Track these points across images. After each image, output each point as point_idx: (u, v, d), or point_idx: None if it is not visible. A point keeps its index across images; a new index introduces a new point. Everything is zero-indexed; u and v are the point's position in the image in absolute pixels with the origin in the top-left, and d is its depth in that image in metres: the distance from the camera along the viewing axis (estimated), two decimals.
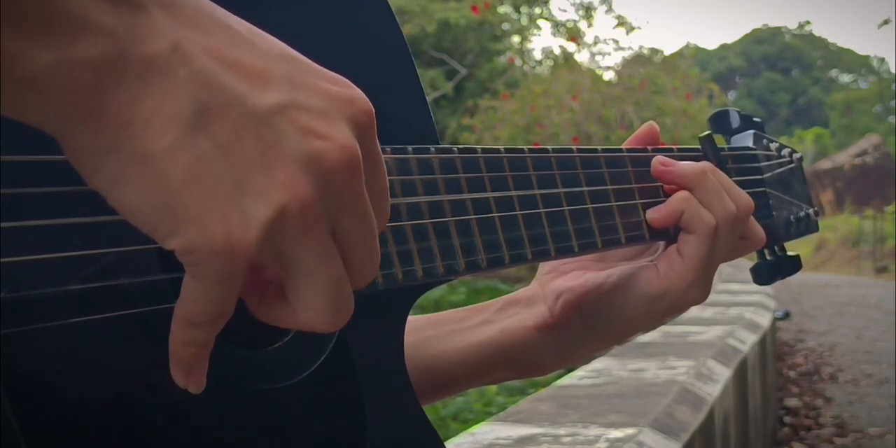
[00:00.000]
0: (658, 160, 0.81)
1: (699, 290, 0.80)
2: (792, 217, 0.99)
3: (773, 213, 0.95)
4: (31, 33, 0.38)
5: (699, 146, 0.90)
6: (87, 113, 0.39)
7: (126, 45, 0.39)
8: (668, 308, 0.80)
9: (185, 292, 0.42)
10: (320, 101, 0.44)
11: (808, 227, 1.01)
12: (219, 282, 0.41)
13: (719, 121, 1.00)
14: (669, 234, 0.81)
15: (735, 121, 1.00)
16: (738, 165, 0.93)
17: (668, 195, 0.81)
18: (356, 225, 0.46)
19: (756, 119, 1.01)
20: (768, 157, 0.98)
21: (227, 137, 0.41)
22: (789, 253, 0.98)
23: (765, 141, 1.00)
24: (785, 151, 1.01)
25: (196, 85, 0.41)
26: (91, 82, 0.39)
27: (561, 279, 0.84)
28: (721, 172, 0.83)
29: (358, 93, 0.47)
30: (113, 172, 0.40)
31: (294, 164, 0.42)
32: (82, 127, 0.39)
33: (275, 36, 0.60)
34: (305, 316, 0.45)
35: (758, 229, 0.85)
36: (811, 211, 1.01)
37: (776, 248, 0.96)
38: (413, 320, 0.65)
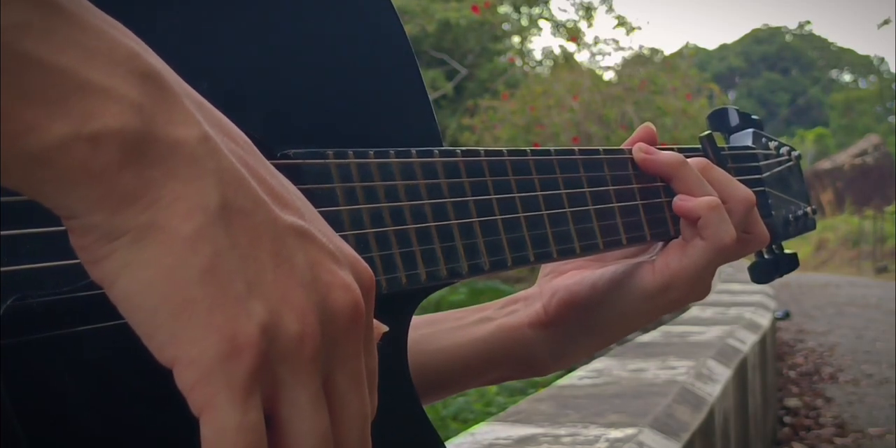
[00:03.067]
0: (640, 147, 0.81)
1: (700, 288, 0.81)
2: (791, 215, 0.99)
3: (773, 212, 0.96)
4: (42, 102, 0.34)
5: (699, 146, 0.90)
6: (106, 191, 0.35)
7: (152, 122, 0.36)
8: (667, 305, 0.80)
9: (208, 440, 0.36)
10: (331, 246, 0.41)
11: (805, 225, 1.02)
12: (232, 400, 0.36)
13: (718, 119, 1.00)
14: (670, 234, 0.82)
15: (734, 119, 1.00)
16: (737, 165, 0.93)
17: (668, 197, 0.81)
18: (348, 390, 0.41)
19: (755, 117, 1.01)
20: (767, 156, 0.99)
21: (244, 240, 0.38)
22: (786, 251, 0.98)
23: (764, 139, 1.00)
24: (784, 149, 1.01)
25: (223, 181, 0.37)
26: (112, 158, 0.35)
27: (558, 278, 0.85)
28: (719, 168, 0.84)
29: (363, 261, 0.43)
30: (125, 257, 0.36)
31: (303, 289, 0.39)
32: (98, 206, 0.35)
33: (278, 36, 0.60)
34: None
35: (762, 227, 0.86)
36: (809, 209, 1.02)
37: (773, 246, 0.97)
38: (413, 319, 0.65)
